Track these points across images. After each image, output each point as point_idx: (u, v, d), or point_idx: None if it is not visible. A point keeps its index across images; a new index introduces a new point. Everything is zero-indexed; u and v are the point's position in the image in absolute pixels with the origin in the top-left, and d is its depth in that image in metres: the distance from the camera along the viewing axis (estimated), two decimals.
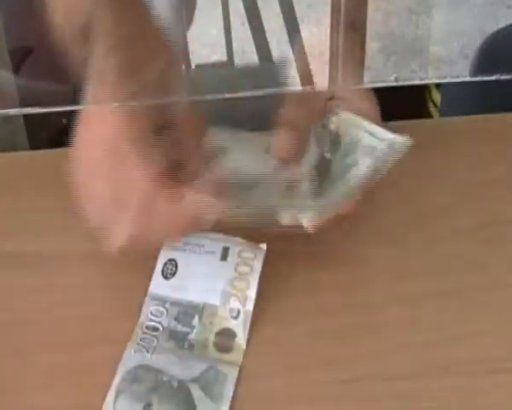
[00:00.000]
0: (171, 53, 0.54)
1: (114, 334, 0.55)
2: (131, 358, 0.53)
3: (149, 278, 0.58)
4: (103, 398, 0.51)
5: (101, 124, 0.51)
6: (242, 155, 0.59)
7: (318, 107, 0.61)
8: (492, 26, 1.07)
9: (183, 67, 0.86)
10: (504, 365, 0.54)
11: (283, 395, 0.53)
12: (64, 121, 1.37)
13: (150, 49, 0.53)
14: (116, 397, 0.51)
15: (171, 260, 0.58)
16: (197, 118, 0.54)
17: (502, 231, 0.64)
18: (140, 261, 0.60)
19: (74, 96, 0.68)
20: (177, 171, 0.52)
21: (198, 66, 0.86)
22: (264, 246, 0.58)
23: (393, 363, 0.54)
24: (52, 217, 0.66)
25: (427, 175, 0.69)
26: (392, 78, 0.67)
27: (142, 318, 0.56)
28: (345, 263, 0.61)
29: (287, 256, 0.60)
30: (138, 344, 0.54)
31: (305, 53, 0.76)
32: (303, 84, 0.80)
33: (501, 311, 0.57)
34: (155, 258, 0.59)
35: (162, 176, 0.50)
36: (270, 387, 0.53)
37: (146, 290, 0.58)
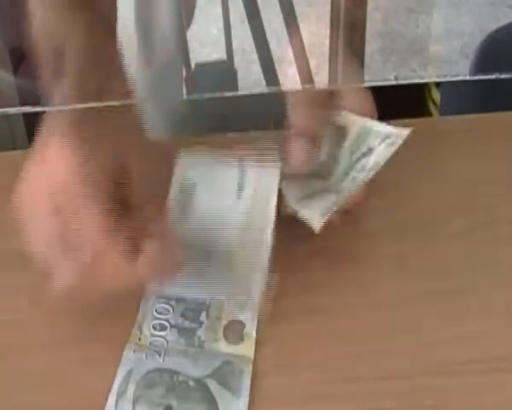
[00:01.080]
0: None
1: (111, 333, 0.55)
2: (131, 359, 0.53)
3: None
4: (101, 397, 0.51)
5: (55, 160, 0.49)
6: (210, 194, 0.59)
7: (327, 106, 0.60)
8: (492, 26, 1.07)
9: (183, 66, 0.86)
10: (506, 364, 0.54)
11: (284, 394, 0.52)
12: None
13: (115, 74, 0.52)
14: (117, 401, 0.51)
15: None
16: (158, 157, 0.53)
17: (503, 230, 0.64)
18: None
19: None
20: (129, 215, 0.50)
21: (198, 64, 0.86)
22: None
23: (394, 362, 0.54)
24: None
25: (427, 174, 0.69)
26: (392, 76, 0.67)
27: (140, 317, 0.56)
28: (346, 262, 0.61)
29: (288, 255, 0.60)
30: (149, 349, 0.54)
31: (304, 51, 0.76)
32: (303, 82, 0.80)
33: (502, 310, 0.57)
34: None
35: (114, 225, 0.48)
36: (270, 385, 0.53)
37: (142, 290, 0.58)
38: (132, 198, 0.50)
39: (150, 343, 0.54)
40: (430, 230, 0.64)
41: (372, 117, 0.60)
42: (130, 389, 0.51)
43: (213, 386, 0.51)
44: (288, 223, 0.62)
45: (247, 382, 0.52)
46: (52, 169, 0.49)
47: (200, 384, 0.51)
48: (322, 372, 0.54)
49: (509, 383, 0.53)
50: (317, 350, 0.55)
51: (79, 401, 0.52)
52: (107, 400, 0.51)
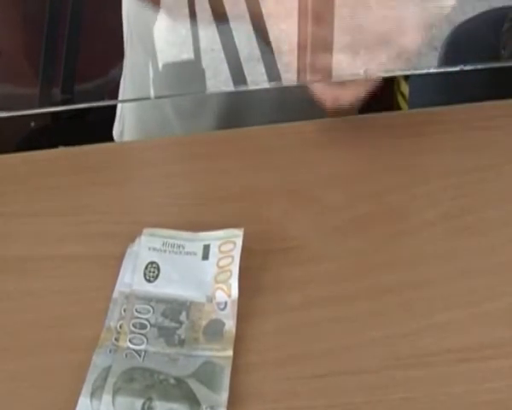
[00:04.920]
0: None
1: (80, 338, 0.55)
2: (108, 357, 0.53)
3: (113, 281, 0.58)
4: (70, 402, 0.51)
5: None
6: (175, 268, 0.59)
7: None
8: (460, 18, 1.07)
9: (151, 65, 0.86)
10: (474, 354, 0.54)
11: (256, 391, 0.52)
12: (32, 124, 1.37)
13: None
14: (93, 393, 0.50)
15: (153, 263, 0.58)
16: None
17: (468, 221, 0.64)
18: (103, 266, 0.60)
19: (41, 98, 0.67)
20: None
21: (165, 64, 0.86)
22: (241, 231, 0.59)
23: (364, 356, 0.54)
24: (18, 221, 0.65)
25: (395, 167, 0.70)
26: (362, 71, 0.67)
27: (110, 321, 0.56)
28: (315, 258, 0.61)
29: (258, 253, 0.60)
30: (128, 348, 0.53)
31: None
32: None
33: (468, 300, 0.58)
34: (120, 259, 0.60)
35: None
36: (242, 382, 0.53)
37: (110, 293, 0.57)
38: None
39: (130, 340, 0.54)
40: (397, 222, 0.64)
41: None
42: (110, 381, 0.50)
43: (194, 385, 0.51)
44: (260, 226, 0.63)
45: (227, 379, 0.52)
46: None
47: (182, 383, 0.51)
48: (294, 368, 0.54)
49: (479, 372, 0.53)
50: (287, 346, 0.55)
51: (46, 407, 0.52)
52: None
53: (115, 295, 0.57)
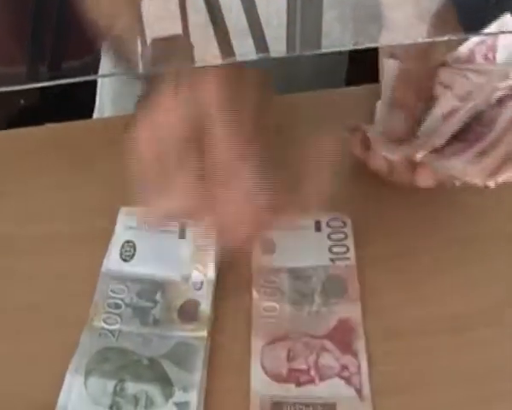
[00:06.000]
0: None
1: (68, 318, 0.55)
2: (92, 340, 0.53)
3: (100, 260, 0.58)
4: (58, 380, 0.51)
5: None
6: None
7: (426, 85, 0.61)
8: None
9: (139, 40, 0.85)
10: (465, 322, 0.54)
11: (241, 365, 0.52)
12: (22, 102, 1.36)
13: None
14: (74, 375, 0.50)
15: (129, 242, 0.58)
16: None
17: (460, 192, 0.64)
18: (91, 244, 0.59)
19: (28, 76, 0.66)
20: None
21: (154, 40, 0.85)
22: None
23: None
24: (3, 199, 0.65)
25: None
26: (351, 43, 0.66)
27: (97, 297, 0.55)
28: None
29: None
30: (102, 329, 0.53)
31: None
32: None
33: (461, 269, 0.57)
34: (108, 238, 0.59)
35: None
36: (227, 357, 0.53)
37: (98, 273, 0.57)
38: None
39: (104, 320, 0.54)
40: (381, 195, 0.63)
41: None
42: (83, 363, 0.51)
43: (168, 366, 0.51)
44: None
45: (200, 359, 0.52)
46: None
47: (155, 363, 0.51)
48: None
49: (470, 343, 0.53)
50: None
51: (38, 387, 0.51)
52: None
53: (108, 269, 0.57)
